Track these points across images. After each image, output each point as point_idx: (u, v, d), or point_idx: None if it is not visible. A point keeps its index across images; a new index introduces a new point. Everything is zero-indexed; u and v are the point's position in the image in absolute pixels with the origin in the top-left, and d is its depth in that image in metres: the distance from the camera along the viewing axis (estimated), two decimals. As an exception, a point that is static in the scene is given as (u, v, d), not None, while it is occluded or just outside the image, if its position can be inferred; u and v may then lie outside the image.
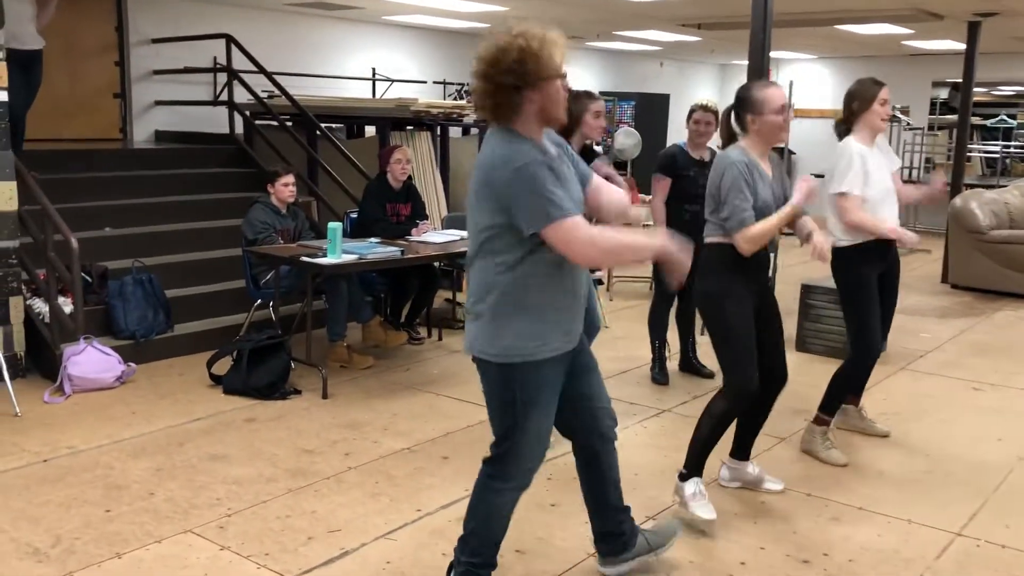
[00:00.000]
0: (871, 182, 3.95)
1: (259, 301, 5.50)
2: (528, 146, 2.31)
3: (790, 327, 6.32)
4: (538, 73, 2.31)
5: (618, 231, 2.34)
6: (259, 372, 4.81)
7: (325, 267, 4.72)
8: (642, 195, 10.12)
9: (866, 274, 3.97)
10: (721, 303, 3.28)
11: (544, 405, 2.49)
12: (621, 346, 6.15)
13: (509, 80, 2.30)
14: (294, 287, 5.35)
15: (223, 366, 4.97)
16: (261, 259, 5.26)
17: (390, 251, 5.05)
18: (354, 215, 6.12)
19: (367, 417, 4.56)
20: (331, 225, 4.79)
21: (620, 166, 11.90)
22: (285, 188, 5.51)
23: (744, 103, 3.29)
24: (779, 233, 3.41)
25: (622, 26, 10.18)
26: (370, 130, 8.36)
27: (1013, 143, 14.72)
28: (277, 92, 7.77)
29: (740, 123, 3.33)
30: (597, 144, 4.57)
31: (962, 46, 9.08)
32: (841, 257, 4.02)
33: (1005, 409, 5.00)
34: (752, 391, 3.28)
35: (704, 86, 15.30)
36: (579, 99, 4.22)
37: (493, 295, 2.40)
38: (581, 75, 13.20)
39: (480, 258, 2.40)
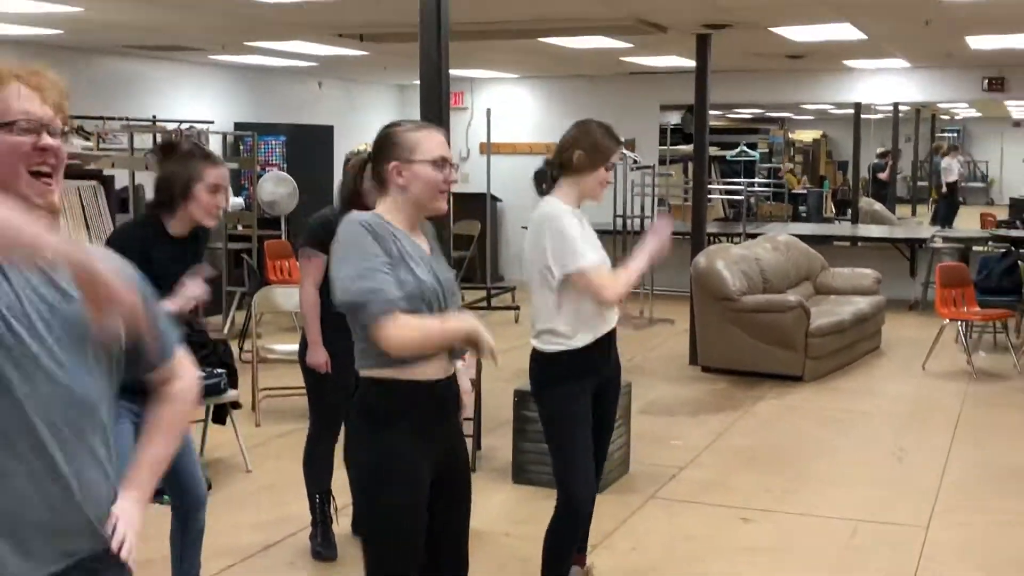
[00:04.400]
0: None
1: None
2: None
3: (504, 445, 6.25)
4: None
5: None
6: None
7: None
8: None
9: (582, 392, 3.95)
10: (378, 489, 2.93)
11: None
12: (267, 503, 5.62)
13: None
14: None
15: None
16: None
17: None
18: None
19: None
20: None
21: (271, 223, 11.41)
22: None
23: (388, 145, 3.01)
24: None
25: (256, 35, 9.74)
26: None
27: (757, 179, 16.01)
28: None
29: (379, 177, 3.05)
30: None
31: (691, 63, 9.55)
32: (549, 369, 3.97)
33: (785, 548, 5.06)
34: None
35: (378, 114, 15.20)
36: (189, 160, 3.82)
37: None
38: (204, 101, 12.56)
39: None
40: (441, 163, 2.96)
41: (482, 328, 2.90)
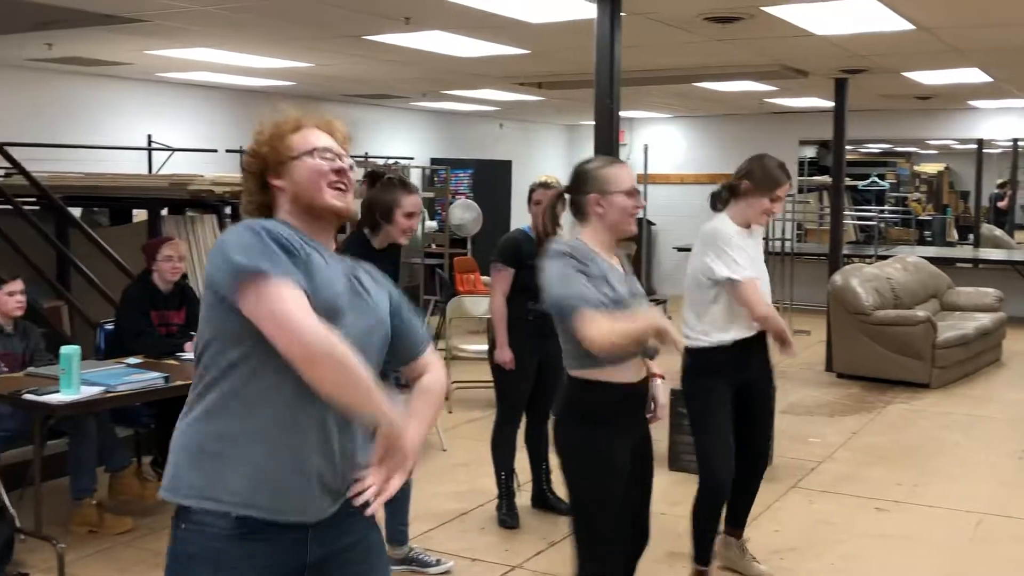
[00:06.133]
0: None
1: (-25, 451, 4.75)
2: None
3: (661, 437, 6.20)
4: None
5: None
6: (-33, 552, 4.12)
7: (56, 407, 4.13)
8: (484, 277, 9.80)
9: (722, 387, 3.90)
10: (585, 474, 2.99)
11: None
12: (463, 476, 5.71)
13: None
14: (22, 432, 4.61)
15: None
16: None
17: (150, 378, 4.48)
18: (110, 327, 5.50)
19: (118, 609, 3.98)
20: (64, 351, 4.19)
21: (459, 243, 11.63)
22: (10, 299, 4.88)
23: (586, 180, 3.04)
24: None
25: (451, 85, 9.96)
26: (140, 213, 7.67)
27: (887, 207, 15.46)
28: (12, 167, 7.05)
29: (577, 208, 3.06)
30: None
31: (828, 104, 9.33)
32: (694, 364, 3.91)
33: (915, 535, 4.87)
34: None
35: (551, 150, 15.34)
36: (390, 188, 4.01)
37: None
38: (407, 140, 12.91)
39: None
40: (632, 192, 2.99)
41: (666, 321, 2.89)
